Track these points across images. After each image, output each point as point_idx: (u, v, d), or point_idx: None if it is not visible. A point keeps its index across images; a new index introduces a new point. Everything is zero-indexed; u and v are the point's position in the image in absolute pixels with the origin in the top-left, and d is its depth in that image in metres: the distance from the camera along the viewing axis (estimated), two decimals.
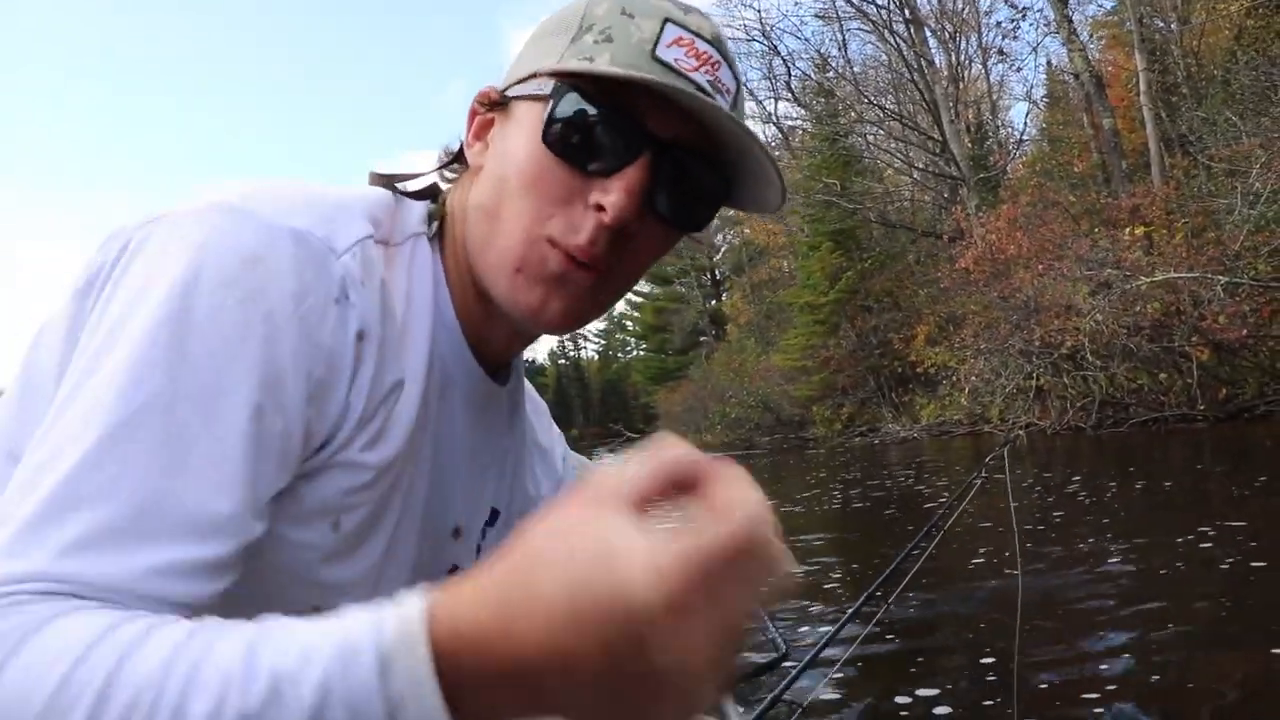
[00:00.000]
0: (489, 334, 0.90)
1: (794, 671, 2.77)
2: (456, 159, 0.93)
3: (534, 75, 0.82)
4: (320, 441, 0.74)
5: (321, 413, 0.73)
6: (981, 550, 5.39)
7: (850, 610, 3.06)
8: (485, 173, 0.85)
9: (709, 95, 0.79)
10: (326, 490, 0.76)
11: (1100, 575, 4.58)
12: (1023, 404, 16.95)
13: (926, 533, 3.24)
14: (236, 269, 0.69)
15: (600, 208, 0.78)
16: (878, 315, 27.37)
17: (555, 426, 1.17)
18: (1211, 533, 5.21)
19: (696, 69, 0.80)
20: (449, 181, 0.93)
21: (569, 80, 0.79)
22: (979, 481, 3.66)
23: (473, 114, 0.89)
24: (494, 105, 0.87)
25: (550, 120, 0.79)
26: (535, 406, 1.11)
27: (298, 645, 0.52)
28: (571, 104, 0.79)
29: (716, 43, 0.83)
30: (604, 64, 0.78)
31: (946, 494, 9.50)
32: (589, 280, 0.81)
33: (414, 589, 0.53)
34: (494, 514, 0.99)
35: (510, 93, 0.84)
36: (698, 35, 0.82)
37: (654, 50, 0.79)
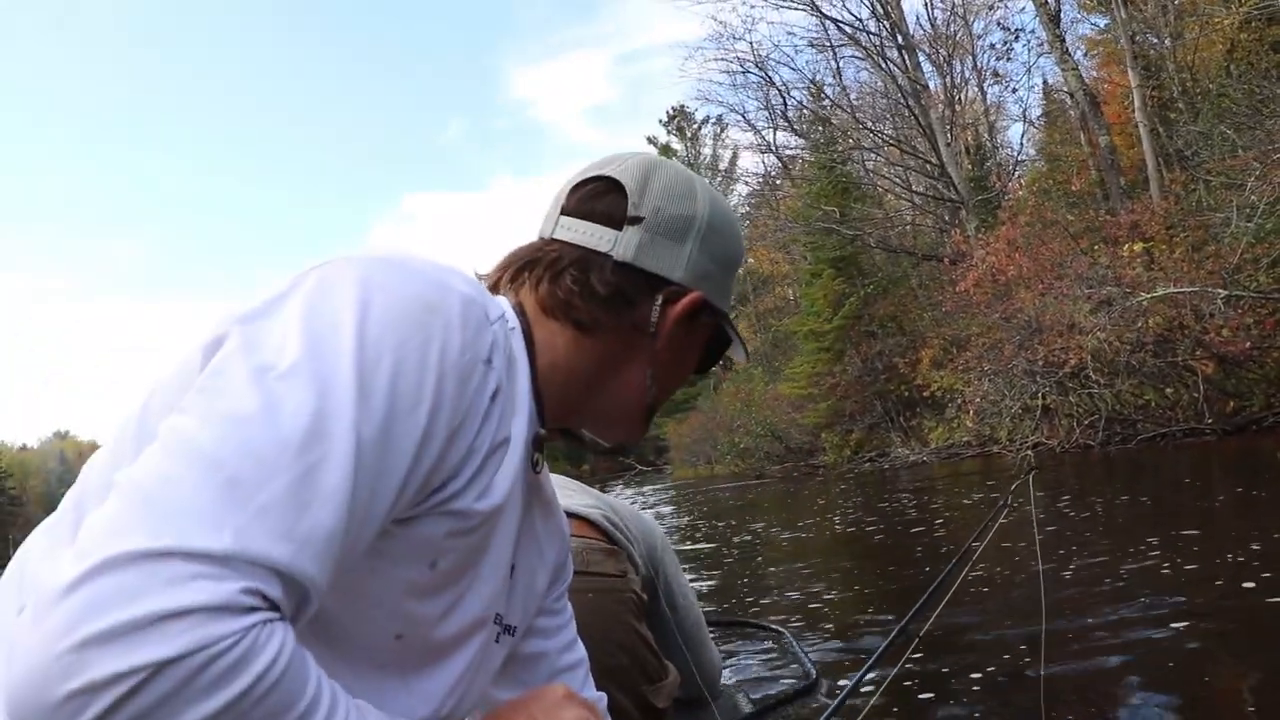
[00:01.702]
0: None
1: (836, 702, 2.74)
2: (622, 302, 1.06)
3: (707, 304, 1.09)
4: (437, 484, 0.81)
5: (446, 457, 0.80)
6: (1005, 573, 5.33)
7: (885, 641, 3.03)
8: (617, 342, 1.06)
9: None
10: (431, 532, 0.83)
11: (1123, 592, 4.54)
12: (1030, 424, 16.86)
13: (957, 561, 3.22)
14: (419, 312, 0.79)
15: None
16: (882, 340, 27.30)
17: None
18: (1248, 545, 5.14)
19: None
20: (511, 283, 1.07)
21: (724, 328, 1.14)
22: (1006, 508, 3.66)
23: (675, 318, 1.07)
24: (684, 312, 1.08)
25: (708, 361, 1.16)
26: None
27: None
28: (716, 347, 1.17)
29: None
30: (735, 338, 1.14)
31: (948, 514, 9.46)
32: None
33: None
34: (511, 568, 1.05)
35: (674, 308, 1.07)
36: None
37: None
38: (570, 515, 2.01)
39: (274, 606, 0.67)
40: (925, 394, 22.24)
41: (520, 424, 0.91)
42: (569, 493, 2.57)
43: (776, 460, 30.26)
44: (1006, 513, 3.43)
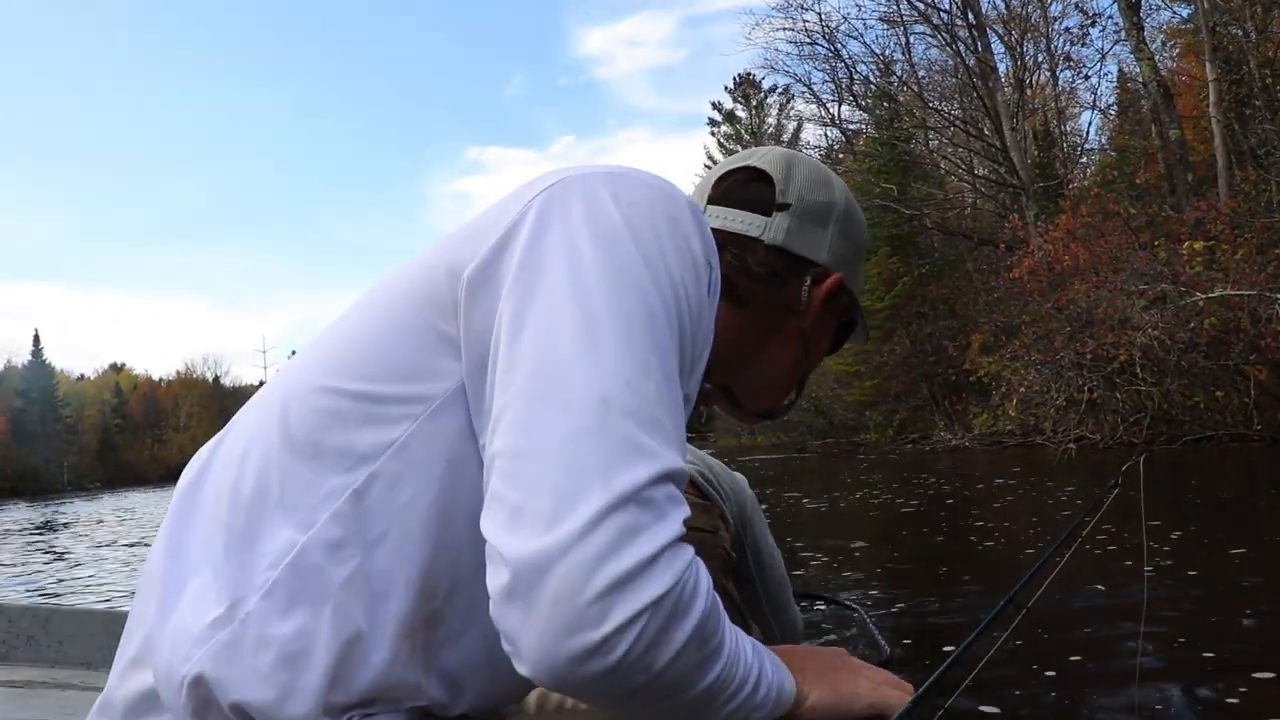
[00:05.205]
0: None
1: (931, 679, 2.78)
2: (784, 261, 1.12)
3: (843, 287, 1.13)
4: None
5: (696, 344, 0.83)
6: (1098, 558, 5.35)
7: (980, 625, 3.05)
8: (778, 325, 1.12)
9: None
10: None
11: (1225, 583, 4.65)
12: (1074, 417, 16.75)
13: (1061, 543, 3.23)
14: (668, 211, 0.82)
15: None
16: (933, 322, 27.17)
17: None
18: None
19: None
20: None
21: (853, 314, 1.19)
22: (1116, 487, 3.70)
23: (821, 298, 1.12)
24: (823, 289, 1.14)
25: (839, 342, 1.22)
26: None
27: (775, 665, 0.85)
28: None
29: None
30: (860, 320, 1.21)
31: (1000, 501, 9.49)
32: None
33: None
34: None
35: (820, 286, 1.12)
36: None
37: None
38: None
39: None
40: (972, 379, 22.13)
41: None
42: None
43: (819, 435, 30.29)
44: (1118, 496, 3.45)
